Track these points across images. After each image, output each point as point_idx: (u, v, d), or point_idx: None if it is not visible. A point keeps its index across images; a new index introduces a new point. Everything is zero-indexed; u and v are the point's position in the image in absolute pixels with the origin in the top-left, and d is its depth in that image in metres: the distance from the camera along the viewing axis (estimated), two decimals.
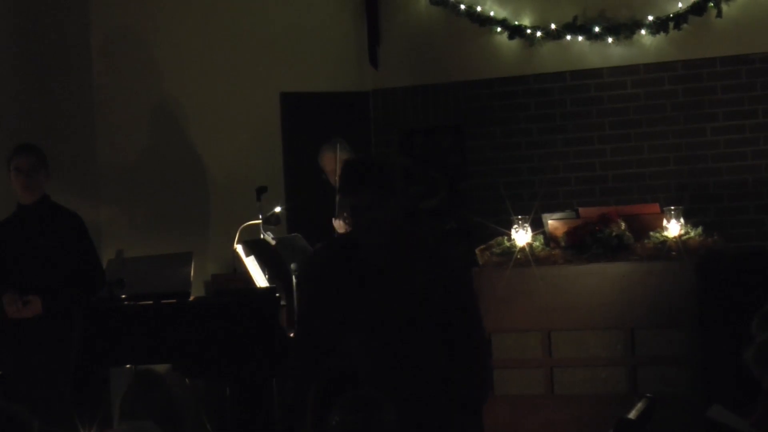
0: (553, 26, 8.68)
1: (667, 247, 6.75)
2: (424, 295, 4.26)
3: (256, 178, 7.91)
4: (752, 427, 4.27)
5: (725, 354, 6.38)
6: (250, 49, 8.71)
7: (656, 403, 4.75)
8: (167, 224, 8.38)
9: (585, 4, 8.64)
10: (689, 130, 8.49)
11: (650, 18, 8.48)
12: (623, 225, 6.85)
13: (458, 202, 8.91)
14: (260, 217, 7.46)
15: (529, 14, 8.80)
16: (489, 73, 8.92)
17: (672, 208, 6.89)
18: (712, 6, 8.34)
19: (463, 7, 8.87)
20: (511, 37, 8.81)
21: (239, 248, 7.42)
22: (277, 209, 7.51)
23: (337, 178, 7.64)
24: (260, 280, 7.26)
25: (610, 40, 8.59)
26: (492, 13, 8.83)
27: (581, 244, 6.85)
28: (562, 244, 6.93)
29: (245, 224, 7.61)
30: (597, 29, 8.59)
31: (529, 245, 6.91)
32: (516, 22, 8.79)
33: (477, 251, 7.07)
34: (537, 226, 7.10)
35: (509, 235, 7.00)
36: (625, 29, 8.54)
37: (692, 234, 6.83)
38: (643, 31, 8.50)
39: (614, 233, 6.81)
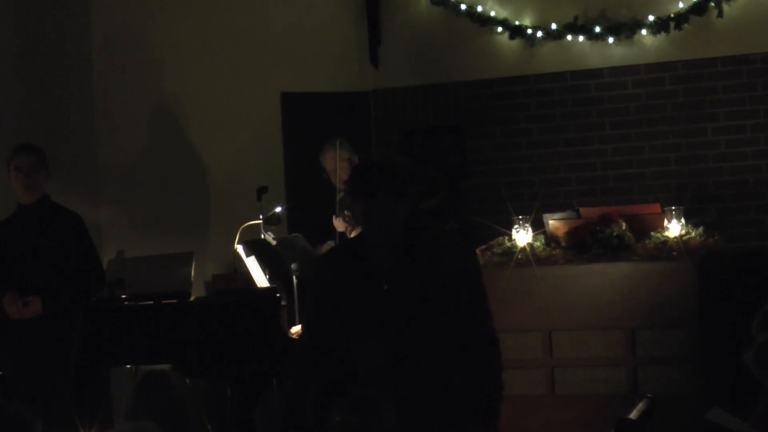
0: (553, 26, 8.67)
1: (667, 247, 6.75)
2: (433, 295, 4.24)
3: (257, 178, 7.91)
4: (752, 427, 4.26)
5: (725, 354, 6.37)
6: (250, 49, 8.71)
7: (657, 403, 4.74)
8: (167, 224, 8.38)
9: (586, 4, 8.63)
10: (690, 130, 8.48)
11: (651, 18, 8.47)
12: (624, 225, 6.85)
13: (458, 202, 8.90)
14: (261, 217, 7.46)
15: (530, 14, 8.79)
16: (489, 73, 8.91)
17: (673, 208, 6.88)
18: (713, 6, 8.34)
19: (463, 7, 8.86)
20: (511, 37, 8.80)
21: (240, 248, 7.42)
22: (278, 209, 7.51)
23: (337, 177, 7.66)
24: (261, 280, 7.25)
25: (610, 40, 8.58)
26: (493, 13, 8.83)
27: (582, 244, 6.85)
28: (563, 244, 6.92)
29: (246, 224, 7.61)
30: (598, 29, 8.58)
31: (530, 245, 6.90)
32: (517, 22, 8.79)
33: (477, 251, 7.06)
34: (538, 226, 7.09)
35: (510, 235, 7.00)
36: (625, 29, 8.53)
37: (693, 234, 6.83)
38: (643, 31, 8.50)
39: (615, 233, 6.80)
